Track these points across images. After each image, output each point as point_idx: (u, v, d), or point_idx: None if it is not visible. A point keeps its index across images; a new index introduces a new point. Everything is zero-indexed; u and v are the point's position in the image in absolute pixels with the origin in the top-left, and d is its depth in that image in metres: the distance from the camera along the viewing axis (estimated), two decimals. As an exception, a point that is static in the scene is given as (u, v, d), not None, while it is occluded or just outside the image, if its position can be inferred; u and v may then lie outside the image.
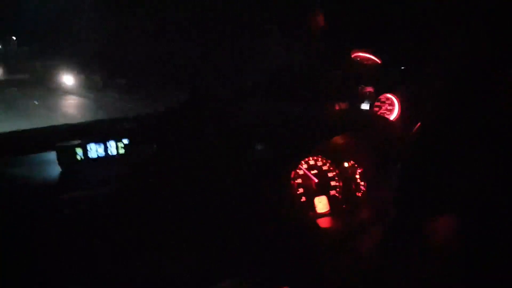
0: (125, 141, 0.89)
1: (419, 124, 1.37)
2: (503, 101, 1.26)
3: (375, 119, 1.32)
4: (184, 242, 0.89)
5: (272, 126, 1.39)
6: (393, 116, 1.52)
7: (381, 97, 1.53)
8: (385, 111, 1.52)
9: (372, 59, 1.55)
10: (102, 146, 0.87)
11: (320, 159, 1.38)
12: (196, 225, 0.93)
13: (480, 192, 1.15)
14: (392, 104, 1.52)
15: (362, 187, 1.41)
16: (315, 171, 1.35)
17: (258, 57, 1.52)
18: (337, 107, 1.65)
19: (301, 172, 1.33)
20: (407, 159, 1.20)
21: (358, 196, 1.40)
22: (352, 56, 1.55)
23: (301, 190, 1.31)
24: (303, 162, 1.34)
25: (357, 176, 1.41)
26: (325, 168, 1.38)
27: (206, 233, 0.94)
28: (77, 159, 0.85)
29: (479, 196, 1.15)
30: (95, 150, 0.87)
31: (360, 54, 1.54)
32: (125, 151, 0.89)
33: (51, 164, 0.83)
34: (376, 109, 1.52)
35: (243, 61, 1.48)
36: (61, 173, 0.83)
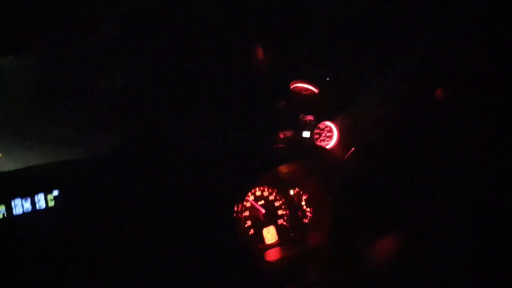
0: (55, 192, 0.86)
1: (353, 149, 1.50)
2: (432, 126, 1.43)
3: (314, 147, 1.42)
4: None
5: (217, 160, 1.43)
6: (332, 142, 1.64)
7: (320, 124, 1.65)
8: (325, 138, 1.64)
9: (310, 89, 1.67)
10: (29, 200, 0.83)
11: (266, 189, 1.44)
12: (139, 270, 0.91)
13: (416, 211, 1.28)
14: (331, 131, 1.65)
15: (308, 214, 1.48)
16: (261, 202, 1.40)
17: (200, 90, 1.56)
18: (281, 136, 1.74)
19: (248, 204, 1.37)
20: (341, 183, 1.30)
21: (305, 222, 1.47)
22: (291, 86, 1.66)
23: (249, 222, 1.35)
24: (249, 194, 1.39)
25: (303, 203, 1.49)
26: (271, 198, 1.44)
27: (151, 283, 0.93)
28: (-2, 217, 0.80)
29: (415, 215, 1.28)
30: (20, 206, 0.82)
31: (299, 84, 1.66)
32: (55, 204, 0.85)
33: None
34: (316, 136, 1.63)
35: (181, 94, 1.51)
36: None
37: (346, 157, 1.42)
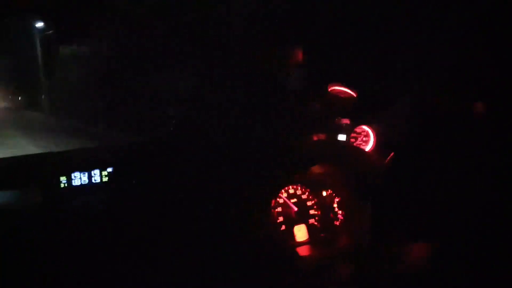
0: (109, 169, 0.94)
1: (392, 154, 1.49)
2: (470, 132, 1.40)
3: (352, 150, 1.43)
4: (160, 277, 0.92)
5: (255, 156, 1.47)
6: (368, 147, 1.64)
7: (356, 128, 1.65)
8: (361, 142, 1.64)
9: (348, 92, 1.68)
10: (86, 174, 0.92)
11: (299, 188, 1.46)
12: (176, 255, 0.96)
13: (452, 218, 1.26)
14: (367, 135, 1.65)
15: (340, 216, 1.49)
16: (294, 200, 1.42)
17: (239, 89, 1.62)
18: (315, 138, 1.76)
19: (281, 201, 1.40)
20: (381, 188, 1.29)
21: (336, 225, 1.47)
22: (329, 89, 1.68)
23: (281, 218, 1.37)
24: (283, 190, 1.41)
25: (335, 205, 1.50)
26: (304, 197, 1.45)
27: (187, 263, 0.98)
28: (60, 186, 0.89)
29: (451, 222, 1.25)
30: (79, 178, 0.91)
31: (336, 87, 1.68)
32: (108, 179, 0.93)
33: (35, 190, 0.87)
34: (352, 140, 1.64)
35: (224, 92, 1.58)
36: (45, 199, 0.86)
37: (386, 161, 1.41)
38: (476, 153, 1.27)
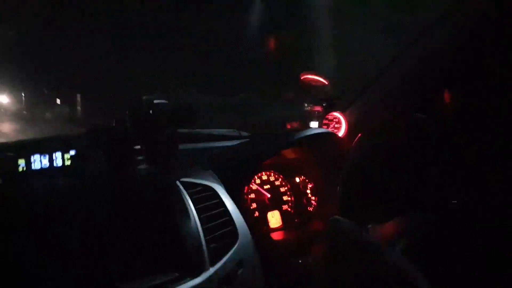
0: (72, 152, 0.91)
1: (359, 135, 1.53)
2: (440, 120, 1.46)
3: (324, 135, 1.45)
4: (130, 258, 0.89)
5: (226, 143, 1.47)
6: (340, 134, 1.67)
7: (328, 115, 1.68)
8: (333, 129, 1.67)
9: (320, 81, 1.71)
10: (47, 157, 0.88)
11: (272, 174, 1.47)
12: (143, 239, 0.94)
13: (422, 197, 1.30)
14: (339, 122, 1.68)
15: (313, 202, 1.51)
16: (267, 186, 1.44)
17: (214, 79, 1.62)
18: (288, 126, 1.78)
19: (254, 187, 1.40)
20: (349, 169, 1.32)
21: (310, 210, 1.50)
22: (301, 78, 1.70)
23: (254, 205, 1.38)
24: (256, 177, 1.42)
25: (308, 191, 1.52)
26: (277, 183, 1.47)
27: (156, 248, 0.96)
28: (18, 170, 0.85)
29: (421, 201, 1.30)
30: (39, 161, 0.87)
31: (309, 76, 1.70)
32: (71, 162, 0.90)
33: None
34: (324, 127, 1.67)
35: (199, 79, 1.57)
36: (3, 183, 0.82)
37: (354, 143, 1.45)
38: (442, 138, 1.32)
